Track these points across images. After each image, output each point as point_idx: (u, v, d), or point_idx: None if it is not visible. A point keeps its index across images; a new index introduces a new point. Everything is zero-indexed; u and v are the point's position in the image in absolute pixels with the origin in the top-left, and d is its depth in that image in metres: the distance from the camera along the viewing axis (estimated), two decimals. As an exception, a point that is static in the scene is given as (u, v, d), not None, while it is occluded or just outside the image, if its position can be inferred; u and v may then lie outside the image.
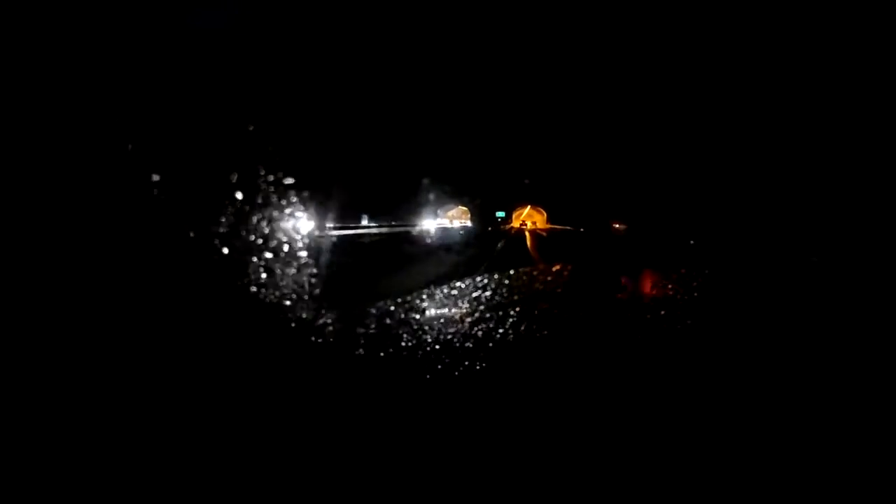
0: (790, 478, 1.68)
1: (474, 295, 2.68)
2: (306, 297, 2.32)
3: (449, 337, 2.48)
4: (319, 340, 2.31)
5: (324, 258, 2.65)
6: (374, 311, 2.51)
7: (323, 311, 2.32)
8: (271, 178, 2.33)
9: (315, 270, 2.46)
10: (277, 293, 2.32)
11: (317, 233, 2.79)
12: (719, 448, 1.84)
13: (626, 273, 3.19)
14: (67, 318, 1.97)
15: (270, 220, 2.47)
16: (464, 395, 2.22)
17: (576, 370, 2.37)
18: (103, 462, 1.69)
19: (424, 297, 2.63)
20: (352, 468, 1.77)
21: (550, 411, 2.09)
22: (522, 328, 2.57)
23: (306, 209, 2.55)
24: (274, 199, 2.37)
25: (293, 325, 2.32)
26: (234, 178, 2.30)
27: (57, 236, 2.08)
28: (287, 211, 2.51)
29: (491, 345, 2.48)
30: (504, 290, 2.72)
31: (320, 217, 2.94)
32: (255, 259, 2.32)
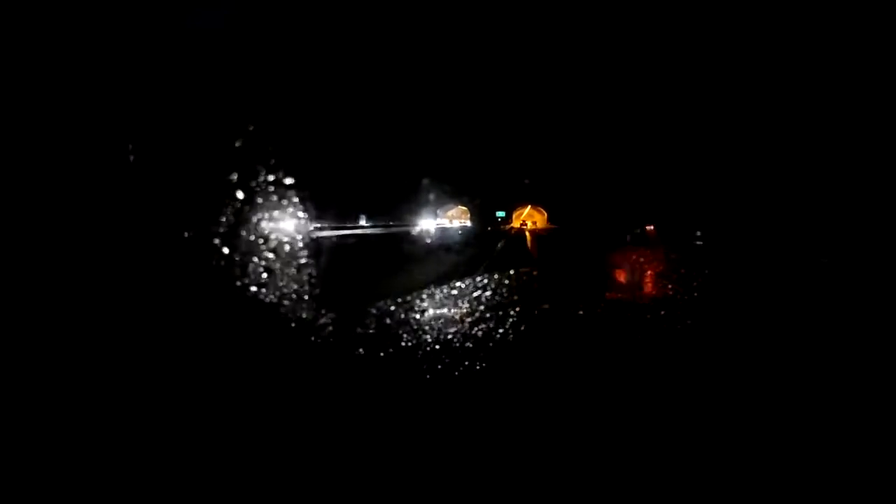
0: (790, 478, 1.71)
1: (474, 295, 2.71)
2: (306, 297, 2.35)
3: (449, 337, 2.51)
4: (319, 340, 2.34)
5: (323, 258, 2.68)
6: (374, 311, 2.54)
7: (322, 311, 2.35)
8: (270, 178, 2.36)
9: (314, 271, 2.49)
10: (276, 293, 2.35)
11: (316, 233, 2.83)
12: (719, 448, 1.87)
13: (627, 273, 3.22)
14: (60, 318, 1.99)
15: (269, 221, 2.51)
16: (463, 395, 2.25)
17: (575, 370, 2.40)
18: (103, 461, 1.72)
19: (424, 297, 2.67)
20: (352, 467, 1.80)
21: (550, 411, 2.12)
22: (522, 328, 2.60)
23: (305, 209, 2.59)
24: (273, 199, 2.40)
25: (292, 325, 2.35)
26: (233, 178, 2.33)
27: (48, 233, 2.10)
28: (285, 211, 2.55)
29: (491, 345, 2.51)
30: (504, 290, 2.75)
31: (319, 217, 2.97)
32: (252, 259, 2.35)
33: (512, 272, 2.87)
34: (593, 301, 2.94)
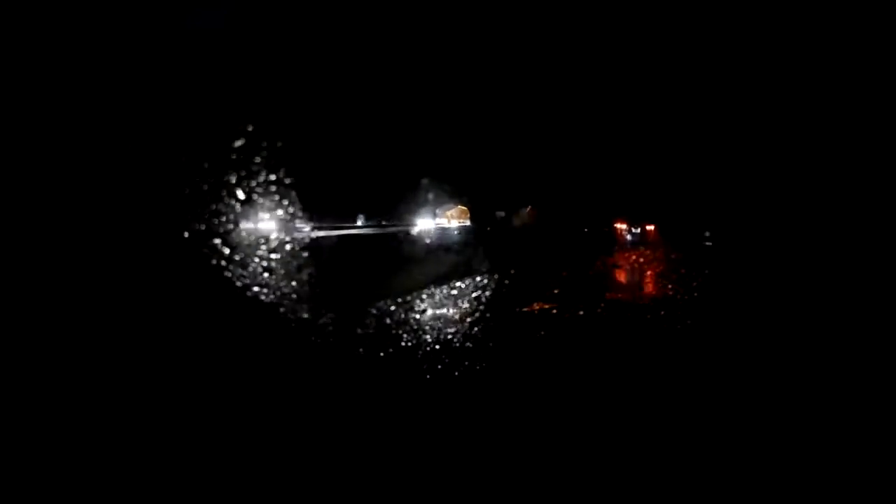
0: (790, 478, 1.74)
1: (474, 295, 2.74)
2: (306, 297, 2.39)
3: (449, 337, 2.55)
4: (319, 340, 2.37)
5: (322, 259, 2.72)
6: (374, 311, 2.57)
7: (323, 312, 2.38)
8: (270, 178, 2.39)
9: (314, 271, 2.52)
10: (276, 294, 2.38)
11: (315, 233, 2.86)
12: (718, 447, 1.90)
13: (627, 273, 3.25)
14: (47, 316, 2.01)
15: (269, 221, 2.54)
16: (463, 395, 2.28)
17: (575, 370, 2.43)
18: (103, 461, 1.74)
19: (424, 297, 2.69)
20: (351, 466, 1.82)
21: (550, 411, 2.14)
22: (522, 328, 2.64)
23: (304, 209, 2.62)
24: (273, 199, 2.43)
25: (292, 325, 2.38)
26: (233, 178, 2.36)
27: (40, 232, 2.11)
28: (285, 211, 2.58)
29: (491, 345, 2.54)
30: (504, 291, 2.78)
31: (319, 217, 3.00)
32: (252, 259, 2.38)
33: (512, 272, 2.90)
34: (593, 301, 2.96)
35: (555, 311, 2.82)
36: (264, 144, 2.37)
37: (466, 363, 2.43)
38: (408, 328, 2.56)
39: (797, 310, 2.78)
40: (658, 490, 1.73)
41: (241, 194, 2.35)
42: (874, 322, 2.57)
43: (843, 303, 2.80)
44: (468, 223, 5.22)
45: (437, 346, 2.48)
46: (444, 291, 2.73)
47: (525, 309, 2.70)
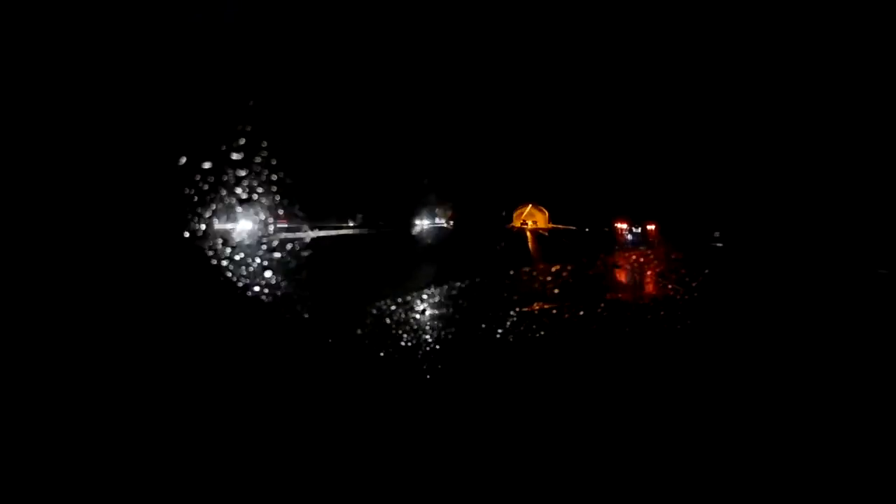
0: (790, 477, 1.77)
1: (474, 295, 2.78)
2: (306, 297, 2.42)
3: (449, 337, 2.58)
4: (319, 340, 2.40)
5: (322, 259, 2.75)
6: (374, 311, 2.60)
7: (323, 311, 2.42)
8: (270, 179, 2.42)
9: (313, 271, 2.55)
10: (276, 294, 2.41)
11: (315, 233, 2.89)
12: (718, 447, 1.93)
13: (627, 273, 3.27)
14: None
15: (269, 220, 2.57)
16: (463, 395, 2.31)
17: (575, 370, 2.46)
18: (103, 461, 1.77)
19: (424, 297, 2.73)
20: (351, 466, 1.85)
21: (550, 410, 2.17)
22: (522, 328, 2.67)
23: (304, 209, 2.65)
24: (273, 200, 2.46)
25: (292, 324, 2.41)
26: (232, 178, 2.38)
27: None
28: (285, 211, 2.61)
29: (491, 345, 2.58)
30: (504, 291, 2.81)
31: (318, 217, 3.03)
32: (252, 259, 2.41)
33: (512, 272, 2.93)
34: (593, 301, 2.98)
35: (555, 311, 2.85)
36: (264, 146, 2.40)
37: (466, 363, 2.46)
38: (408, 328, 2.60)
39: (804, 312, 2.81)
40: (658, 490, 1.76)
41: (239, 194, 2.38)
42: (881, 326, 2.59)
43: (849, 305, 2.82)
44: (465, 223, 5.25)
45: (437, 346, 2.52)
46: (445, 291, 2.76)
47: (525, 309, 2.74)
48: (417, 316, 2.68)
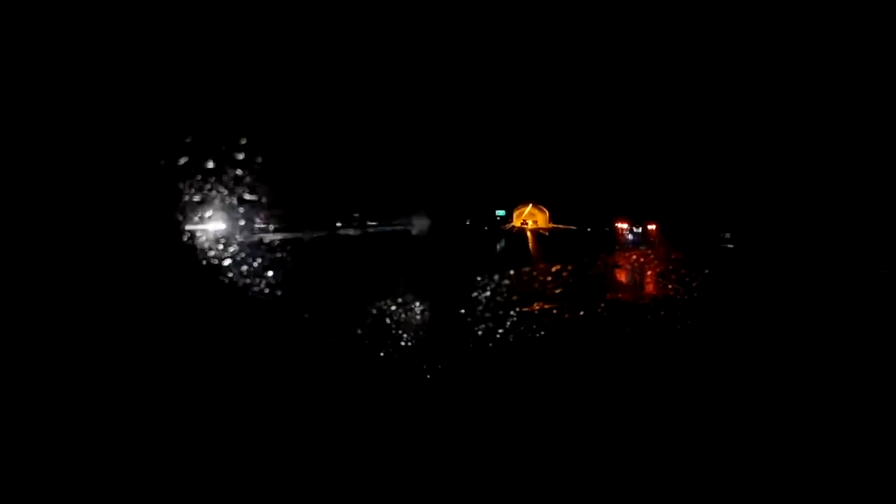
0: (789, 477, 1.80)
1: (475, 295, 2.81)
2: (306, 297, 2.45)
3: (449, 336, 2.61)
4: (319, 340, 2.43)
5: (321, 259, 2.77)
6: (374, 311, 2.63)
7: (323, 311, 2.44)
8: (270, 178, 2.45)
9: (313, 271, 2.58)
10: (276, 294, 2.43)
11: (314, 233, 2.91)
12: (718, 447, 1.96)
13: (627, 273, 3.30)
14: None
15: (269, 220, 2.60)
16: (463, 395, 2.34)
17: (575, 370, 2.49)
18: (103, 461, 1.80)
19: (424, 297, 2.76)
20: (351, 466, 1.87)
21: (549, 410, 2.20)
22: (522, 328, 2.70)
23: (303, 209, 2.68)
24: (272, 200, 2.49)
25: (292, 324, 2.44)
26: (231, 177, 2.41)
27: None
28: (284, 211, 2.64)
29: (491, 345, 2.61)
30: (504, 290, 2.84)
31: (317, 217, 3.05)
32: (252, 260, 2.44)
33: (512, 272, 2.96)
34: (593, 301, 3.01)
35: (555, 311, 2.88)
36: (264, 147, 2.42)
37: (466, 363, 2.49)
38: (408, 327, 2.63)
39: (804, 312, 2.84)
40: (658, 489, 1.79)
41: (240, 194, 2.40)
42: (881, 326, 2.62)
43: (849, 305, 2.86)
44: (467, 223, 5.27)
45: (436, 346, 2.55)
46: (444, 291, 2.79)
47: (525, 309, 2.77)
48: (417, 316, 2.71)
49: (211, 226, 2.40)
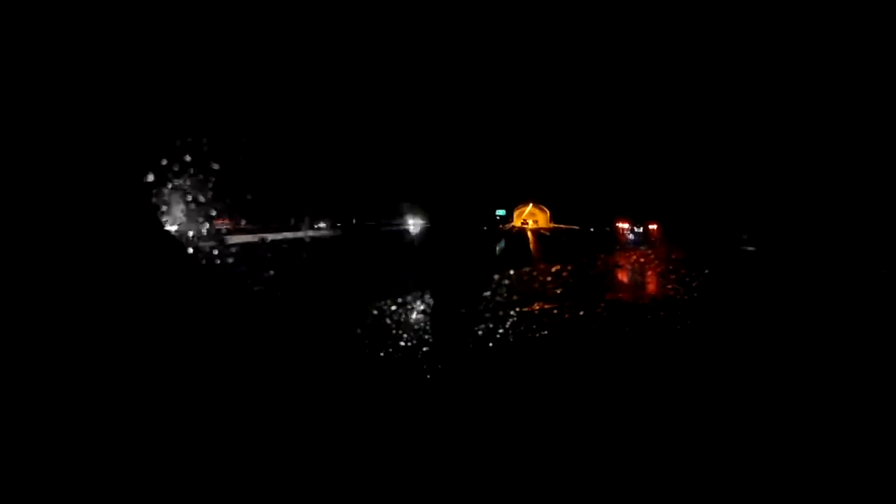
0: (789, 477, 1.82)
1: (473, 295, 2.84)
2: (306, 297, 2.47)
3: (449, 336, 2.64)
4: (319, 340, 2.45)
5: (320, 258, 2.80)
6: (374, 311, 2.66)
7: (324, 311, 2.47)
8: (269, 179, 2.48)
9: (312, 271, 2.61)
10: (276, 294, 2.46)
11: (314, 233, 2.95)
12: (720, 449, 1.98)
13: (626, 274, 3.32)
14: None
15: (268, 220, 2.63)
16: (463, 395, 2.36)
17: (574, 369, 2.51)
18: (103, 461, 1.82)
19: (424, 297, 2.78)
20: (351, 466, 1.90)
21: (549, 410, 2.22)
22: (522, 328, 2.73)
23: (303, 209, 2.71)
24: (272, 200, 2.52)
25: (292, 325, 2.46)
26: (230, 177, 2.44)
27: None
28: (285, 211, 2.67)
29: (491, 345, 2.63)
30: (504, 290, 2.87)
31: (316, 217, 3.08)
32: (251, 259, 2.47)
33: (512, 272, 2.98)
34: (593, 301, 3.03)
35: (555, 311, 2.90)
36: (263, 148, 2.45)
37: (466, 363, 2.51)
38: (408, 328, 2.65)
39: (805, 312, 2.85)
40: (658, 489, 1.81)
41: (235, 195, 2.43)
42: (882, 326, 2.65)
43: (849, 305, 2.87)
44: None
45: (436, 346, 2.57)
46: (443, 292, 2.82)
47: (525, 309, 2.80)
48: (418, 316, 2.74)
49: (211, 226, 2.42)
